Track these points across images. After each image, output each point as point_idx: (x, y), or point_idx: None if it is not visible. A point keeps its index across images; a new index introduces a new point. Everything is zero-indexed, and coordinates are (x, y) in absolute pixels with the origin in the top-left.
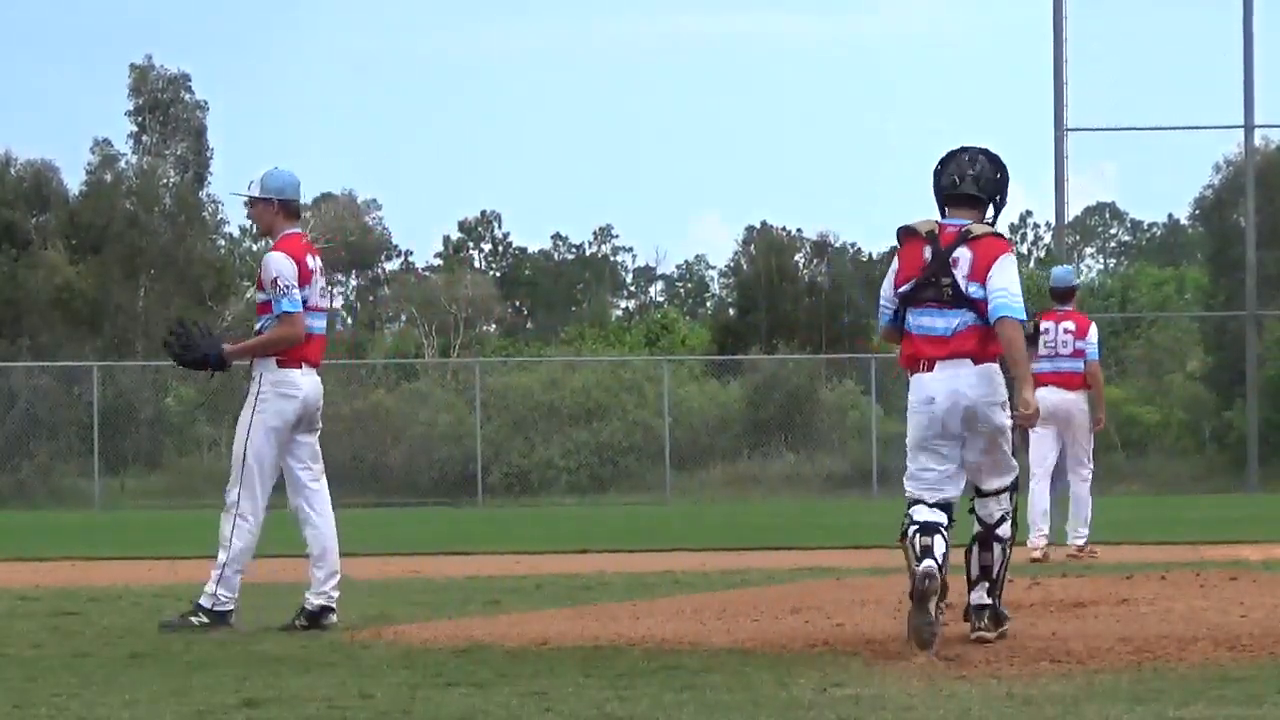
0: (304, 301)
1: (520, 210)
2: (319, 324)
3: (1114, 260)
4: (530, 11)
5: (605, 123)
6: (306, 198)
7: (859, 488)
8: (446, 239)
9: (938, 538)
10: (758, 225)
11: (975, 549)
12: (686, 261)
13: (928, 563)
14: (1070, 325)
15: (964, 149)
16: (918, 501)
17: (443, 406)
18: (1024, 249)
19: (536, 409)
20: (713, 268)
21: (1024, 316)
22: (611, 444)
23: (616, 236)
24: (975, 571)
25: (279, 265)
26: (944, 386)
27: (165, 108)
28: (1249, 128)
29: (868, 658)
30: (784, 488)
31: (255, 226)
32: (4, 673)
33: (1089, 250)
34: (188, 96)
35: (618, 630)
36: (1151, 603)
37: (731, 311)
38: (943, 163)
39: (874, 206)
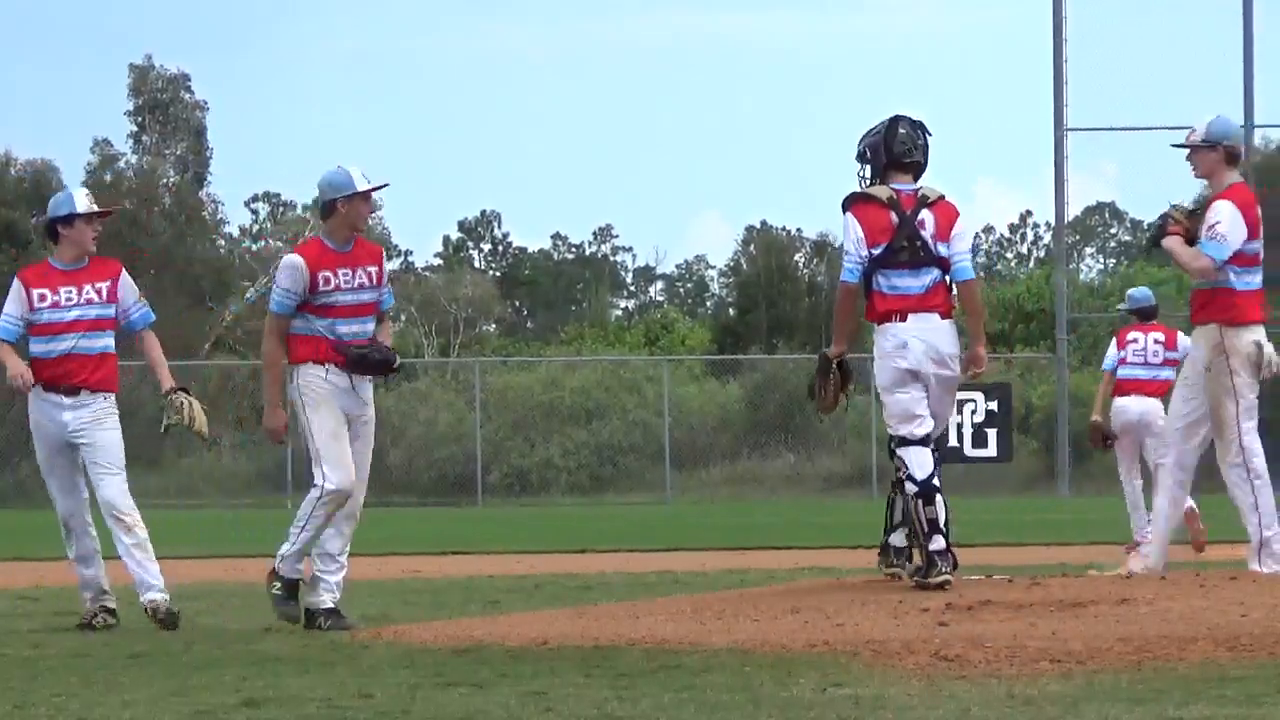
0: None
1: (520, 210)
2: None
3: (1114, 260)
4: (530, 11)
5: (605, 123)
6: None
7: (859, 488)
8: (446, 239)
9: (939, 502)
10: (758, 225)
11: (918, 503)
12: (686, 261)
13: (938, 545)
14: (1159, 336)
15: (900, 118)
16: (906, 441)
17: (443, 406)
18: (1024, 249)
19: (536, 409)
20: (713, 268)
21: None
22: (611, 444)
23: (616, 236)
24: (925, 527)
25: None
26: (918, 335)
27: (165, 108)
28: (1249, 128)
29: (868, 658)
30: (784, 488)
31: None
32: (4, 673)
33: (1089, 250)
34: (188, 96)
35: (618, 630)
36: (1151, 603)
37: (731, 311)
38: (888, 131)
39: None
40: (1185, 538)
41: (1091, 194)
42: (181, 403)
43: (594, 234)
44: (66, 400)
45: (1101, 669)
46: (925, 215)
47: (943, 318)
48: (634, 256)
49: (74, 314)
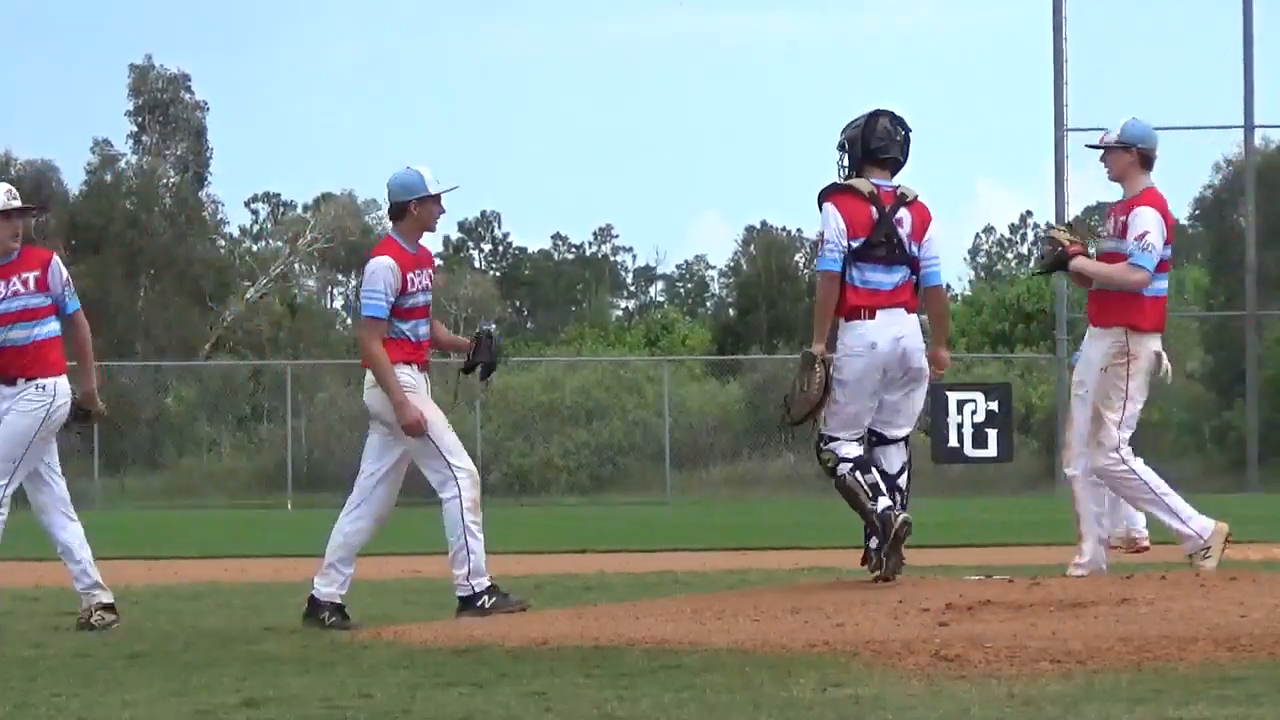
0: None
1: (520, 210)
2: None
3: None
4: (531, 11)
5: (605, 123)
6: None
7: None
8: (446, 239)
9: (875, 471)
10: (758, 225)
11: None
12: (686, 261)
13: (886, 503)
14: None
15: (881, 113)
16: (835, 439)
17: (442, 406)
18: (1024, 249)
19: (536, 409)
20: (713, 268)
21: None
22: (611, 444)
23: (616, 236)
24: (868, 490)
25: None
26: (885, 333)
27: (165, 108)
28: (1249, 128)
29: (868, 658)
30: (784, 488)
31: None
32: (4, 673)
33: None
34: (188, 96)
35: (618, 630)
36: (1151, 603)
37: (731, 311)
38: (868, 125)
39: None
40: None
41: (1091, 194)
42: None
43: (594, 234)
44: (6, 390)
45: (1101, 669)
46: (903, 214)
47: (909, 312)
48: (634, 256)
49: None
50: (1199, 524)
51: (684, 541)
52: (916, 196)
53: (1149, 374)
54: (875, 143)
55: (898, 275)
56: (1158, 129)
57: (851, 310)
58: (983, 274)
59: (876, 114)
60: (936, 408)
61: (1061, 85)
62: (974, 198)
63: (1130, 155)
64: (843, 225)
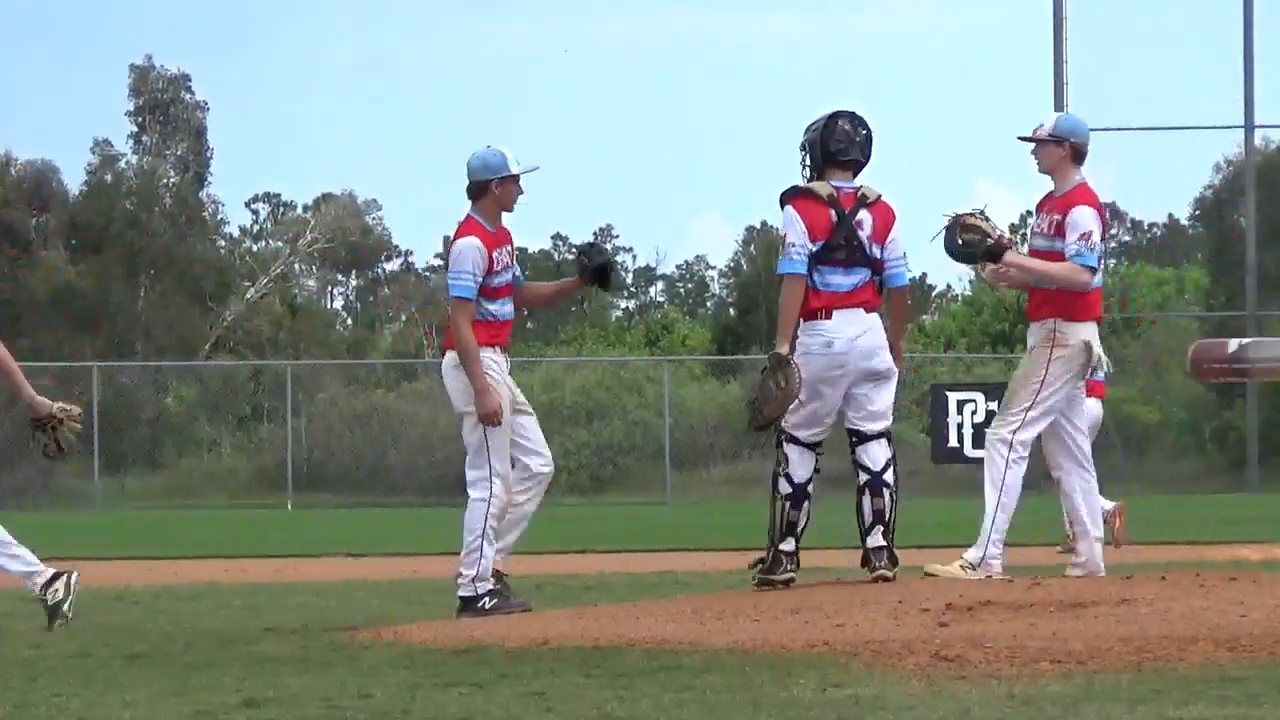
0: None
1: (520, 210)
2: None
3: (1114, 260)
4: (531, 11)
5: (605, 123)
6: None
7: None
8: (446, 239)
9: (804, 509)
10: (758, 225)
11: (866, 496)
12: (686, 261)
13: (789, 548)
14: None
15: (841, 113)
16: (794, 440)
17: (443, 406)
18: (1024, 249)
19: (536, 409)
20: (713, 268)
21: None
22: (611, 444)
23: (617, 236)
24: (870, 517)
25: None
26: (843, 332)
27: (165, 108)
28: (1249, 128)
29: (868, 658)
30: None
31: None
32: (4, 673)
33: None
34: (188, 96)
35: (618, 630)
36: (1151, 603)
37: (732, 312)
38: (827, 128)
39: None
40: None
41: None
42: (48, 435)
43: (594, 234)
44: None
45: (1101, 669)
46: (864, 215)
47: (868, 311)
48: (634, 257)
49: None
50: (987, 551)
51: (684, 541)
52: (879, 197)
53: (1075, 363)
54: (834, 145)
55: (856, 277)
56: (1158, 129)
57: (809, 311)
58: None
59: (835, 115)
60: (936, 408)
61: (1061, 85)
62: (974, 197)
63: (1063, 150)
64: (804, 228)
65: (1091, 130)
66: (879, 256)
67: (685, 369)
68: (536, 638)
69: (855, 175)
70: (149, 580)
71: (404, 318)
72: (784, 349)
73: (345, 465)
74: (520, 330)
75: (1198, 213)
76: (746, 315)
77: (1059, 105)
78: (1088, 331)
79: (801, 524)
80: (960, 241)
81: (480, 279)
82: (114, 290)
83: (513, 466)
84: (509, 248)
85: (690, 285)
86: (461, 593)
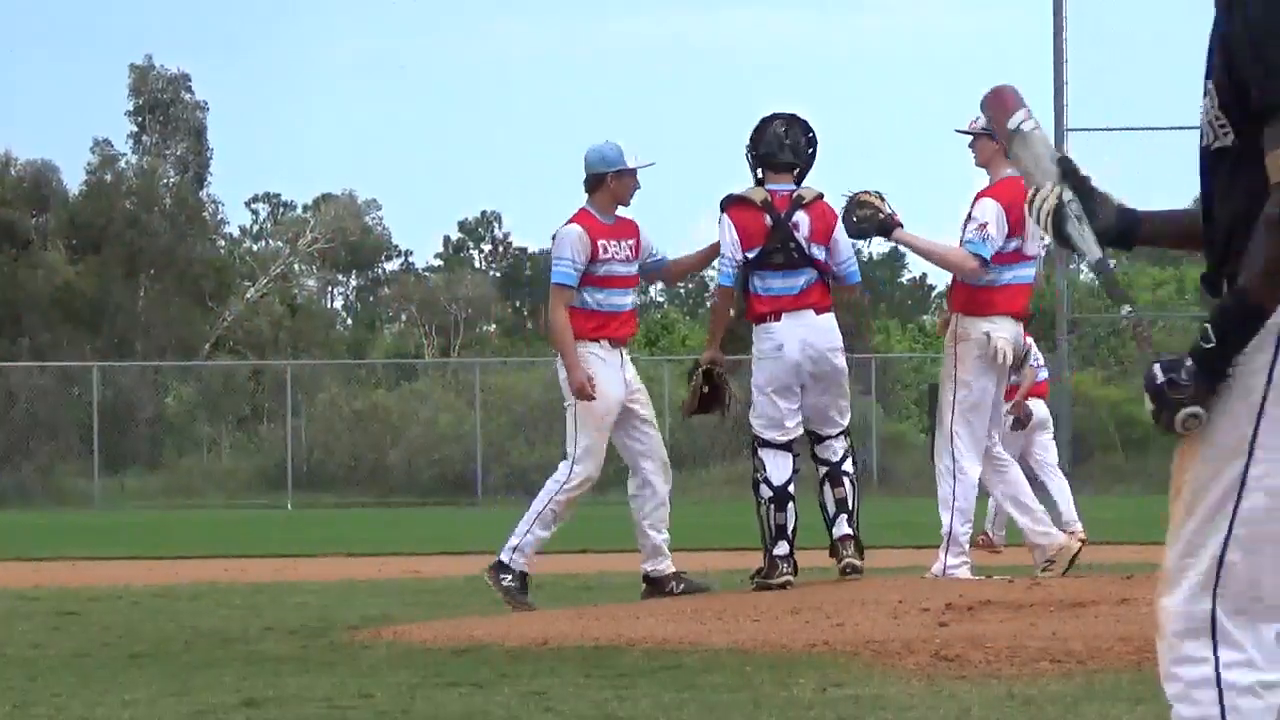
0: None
1: (520, 210)
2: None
3: (1114, 260)
4: (531, 11)
5: (605, 123)
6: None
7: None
8: (446, 239)
9: (789, 510)
10: None
11: (827, 487)
12: None
13: (783, 550)
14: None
15: (776, 116)
16: (767, 444)
17: (443, 406)
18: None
19: (536, 409)
20: (713, 268)
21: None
22: (611, 444)
23: None
24: (833, 508)
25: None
26: (792, 335)
27: (165, 108)
28: None
29: (868, 658)
30: None
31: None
32: (4, 673)
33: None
34: (188, 96)
35: (618, 630)
36: (1151, 603)
37: (731, 312)
38: (758, 131)
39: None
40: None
41: None
42: None
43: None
44: None
45: (1101, 669)
46: (800, 217)
47: (818, 313)
48: None
49: None
50: (956, 557)
51: (684, 541)
52: (818, 197)
53: (980, 358)
54: (764, 149)
55: (801, 279)
56: (1158, 129)
57: (758, 316)
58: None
59: (768, 119)
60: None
61: (1061, 85)
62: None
63: (995, 145)
64: (736, 238)
65: (1091, 130)
66: (822, 257)
67: (685, 369)
68: (536, 638)
69: (799, 177)
70: (149, 580)
71: (404, 318)
72: (703, 356)
73: (345, 465)
74: (520, 330)
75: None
76: (746, 316)
77: (1059, 105)
78: (994, 326)
79: (791, 525)
80: (855, 219)
81: (581, 267)
82: (114, 290)
83: (633, 472)
84: (631, 241)
85: (690, 285)
86: (500, 555)
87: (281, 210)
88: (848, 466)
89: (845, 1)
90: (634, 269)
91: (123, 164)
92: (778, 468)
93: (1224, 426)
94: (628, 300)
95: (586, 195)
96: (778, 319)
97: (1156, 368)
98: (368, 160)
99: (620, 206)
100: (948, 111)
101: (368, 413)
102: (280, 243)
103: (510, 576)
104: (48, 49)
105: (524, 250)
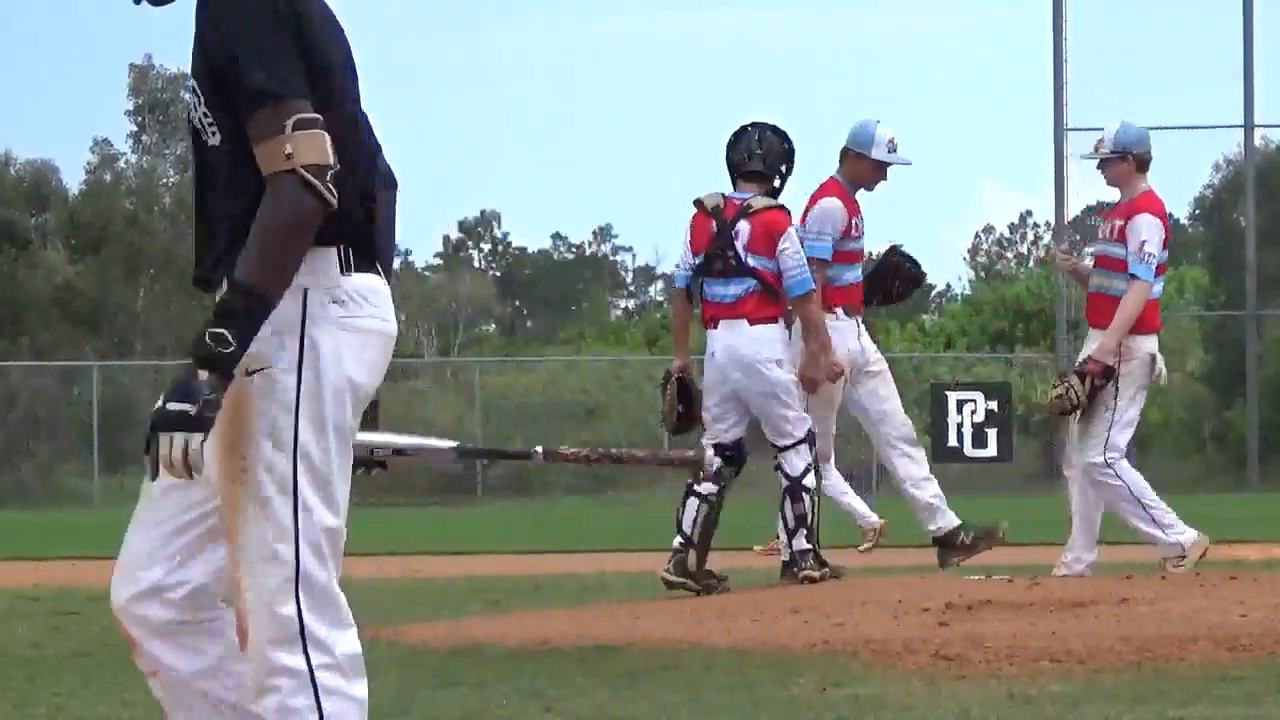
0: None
1: (520, 210)
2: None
3: None
4: (531, 11)
5: (605, 123)
6: None
7: (858, 487)
8: (446, 239)
9: (690, 501)
10: None
11: (787, 502)
12: None
13: (679, 541)
14: None
15: (754, 125)
16: (711, 445)
17: (443, 406)
18: (1024, 249)
19: (536, 409)
20: None
21: (812, 286)
22: (611, 444)
23: (616, 236)
24: (791, 521)
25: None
26: (722, 343)
27: (165, 108)
28: (1249, 127)
29: (868, 658)
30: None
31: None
32: (4, 673)
33: (1089, 250)
34: (187, 96)
35: (618, 630)
36: (1151, 603)
37: (696, 313)
38: (734, 139)
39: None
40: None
41: (1091, 194)
42: None
43: (594, 234)
44: None
45: (1101, 669)
46: (742, 226)
47: (751, 324)
48: (634, 256)
49: None
50: (1180, 535)
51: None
52: (765, 208)
53: (1143, 375)
54: (735, 156)
55: (738, 288)
56: (1157, 129)
57: (705, 322)
58: (983, 274)
59: (744, 128)
60: (936, 407)
61: (1061, 85)
62: (974, 197)
63: (1126, 162)
64: (688, 241)
65: (1091, 130)
66: (763, 267)
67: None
68: (536, 638)
69: (767, 186)
70: None
71: (403, 317)
72: (675, 365)
73: None
74: (520, 330)
75: (1197, 212)
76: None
77: (1059, 105)
78: (1151, 344)
79: (690, 517)
80: (1055, 398)
81: (836, 240)
82: (114, 290)
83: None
84: (861, 220)
85: None
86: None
87: None
88: (809, 481)
89: (845, 1)
90: (862, 245)
91: (122, 164)
92: (707, 484)
93: (258, 433)
94: (858, 274)
95: (837, 165)
96: (715, 326)
97: (169, 405)
98: None
99: (859, 189)
100: (948, 111)
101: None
102: None
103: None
104: (48, 49)
105: (523, 250)
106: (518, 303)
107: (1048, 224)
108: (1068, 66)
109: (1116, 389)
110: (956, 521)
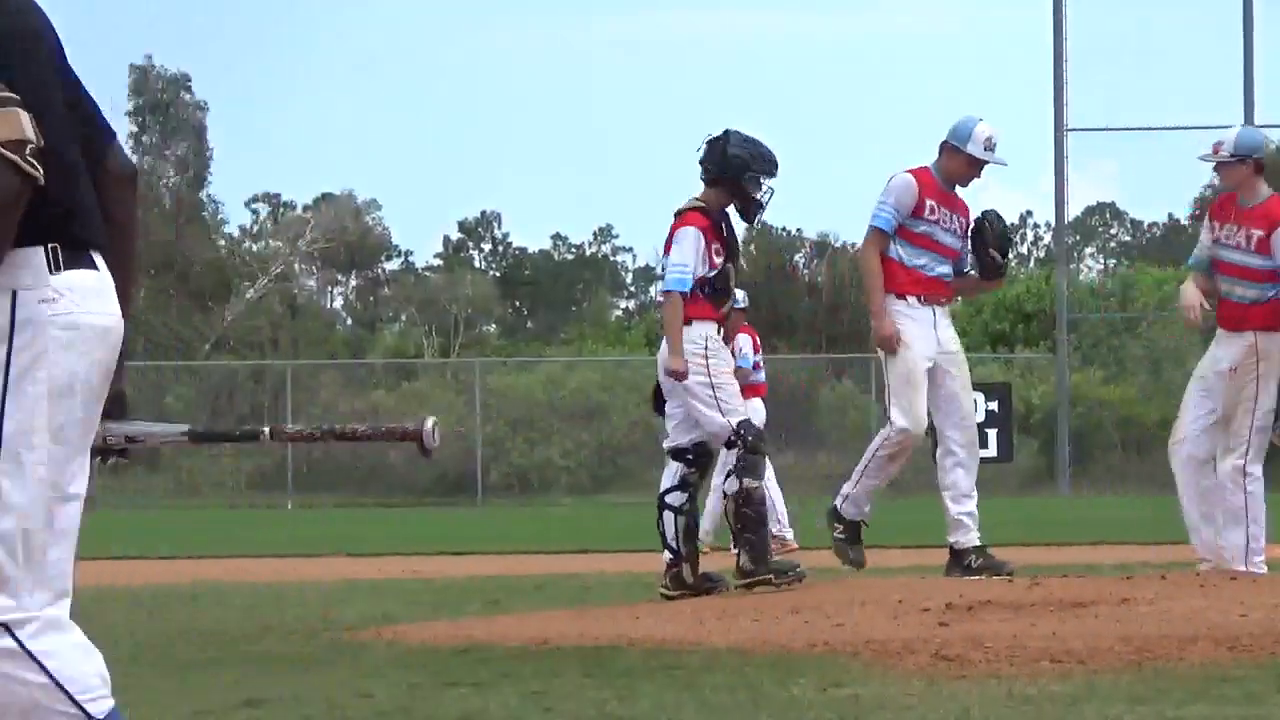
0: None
1: (520, 210)
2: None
3: (1114, 260)
4: (530, 11)
5: (605, 123)
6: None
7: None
8: (446, 239)
9: (667, 518)
10: (758, 225)
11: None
12: None
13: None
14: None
15: (713, 136)
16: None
17: (443, 406)
18: (1024, 249)
19: (536, 409)
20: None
21: (683, 287)
22: (611, 444)
23: (616, 236)
24: (735, 525)
25: None
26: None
27: (165, 108)
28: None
29: (868, 658)
30: (784, 487)
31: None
32: None
33: (1089, 250)
34: (188, 96)
35: (618, 630)
36: (1151, 603)
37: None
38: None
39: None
40: None
41: (1091, 194)
42: None
43: (594, 234)
44: None
45: (1101, 669)
46: (670, 229)
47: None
48: (634, 256)
49: None
50: (1256, 565)
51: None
52: (685, 208)
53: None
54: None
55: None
56: (1158, 129)
57: None
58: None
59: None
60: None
61: (1061, 85)
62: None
63: (1246, 167)
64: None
65: (1091, 130)
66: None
67: None
68: (536, 638)
69: (720, 190)
70: (149, 580)
71: (403, 318)
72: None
73: (345, 465)
74: (520, 330)
75: (1197, 212)
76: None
77: (1059, 105)
78: None
79: (670, 533)
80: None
81: (900, 217)
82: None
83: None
84: (961, 218)
85: None
86: (834, 501)
87: (281, 210)
88: (729, 486)
89: (845, 1)
90: (959, 244)
91: None
92: (666, 476)
93: None
94: (946, 270)
95: (938, 155)
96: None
97: None
98: (368, 160)
99: (954, 183)
100: (948, 111)
101: (368, 413)
102: (280, 243)
103: (841, 527)
104: None
105: (524, 250)
106: (518, 303)
107: (1048, 224)
108: (1068, 66)
109: (1256, 390)
110: (976, 543)
